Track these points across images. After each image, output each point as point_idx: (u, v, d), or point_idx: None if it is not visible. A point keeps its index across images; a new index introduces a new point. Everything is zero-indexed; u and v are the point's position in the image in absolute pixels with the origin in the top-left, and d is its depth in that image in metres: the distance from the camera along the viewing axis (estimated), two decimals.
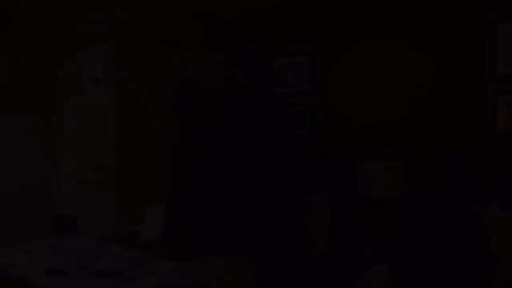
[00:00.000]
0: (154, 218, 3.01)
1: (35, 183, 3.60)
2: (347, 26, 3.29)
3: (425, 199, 0.83)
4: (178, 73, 1.64)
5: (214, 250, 1.54)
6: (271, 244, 1.80)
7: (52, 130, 3.70)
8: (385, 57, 3.11)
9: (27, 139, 3.56)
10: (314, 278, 2.71)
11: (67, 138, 3.70)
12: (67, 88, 3.73)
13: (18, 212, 3.48)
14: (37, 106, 3.62)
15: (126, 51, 3.79)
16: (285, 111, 1.94)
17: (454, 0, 2.81)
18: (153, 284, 2.10)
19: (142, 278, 2.21)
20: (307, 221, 2.92)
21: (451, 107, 2.83)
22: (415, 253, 0.75)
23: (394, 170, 2.74)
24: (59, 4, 3.08)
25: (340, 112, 3.33)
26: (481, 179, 2.65)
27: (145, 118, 3.82)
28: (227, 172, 1.56)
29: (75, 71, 3.70)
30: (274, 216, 1.71)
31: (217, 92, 1.57)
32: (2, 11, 3.24)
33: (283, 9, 3.69)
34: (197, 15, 3.95)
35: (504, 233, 2.22)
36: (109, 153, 3.67)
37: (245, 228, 1.57)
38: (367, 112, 3.20)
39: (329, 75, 3.40)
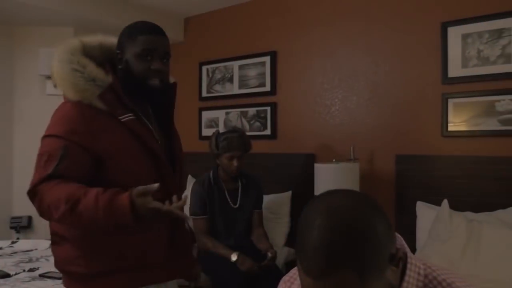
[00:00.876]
0: None
1: None
2: (306, 27, 3.33)
3: (332, 193, 0.85)
4: None
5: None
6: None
7: (8, 130, 3.61)
8: (341, 57, 3.15)
9: None
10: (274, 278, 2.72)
11: (23, 138, 3.61)
12: (24, 88, 3.65)
13: None
14: None
15: None
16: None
17: (409, 2, 2.87)
18: None
19: None
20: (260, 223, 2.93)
21: (406, 108, 2.89)
22: (314, 247, 0.76)
23: (350, 170, 2.77)
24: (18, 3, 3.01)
25: (299, 113, 3.36)
26: (433, 179, 2.72)
27: None
28: None
29: (32, 69, 3.61)
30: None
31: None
32: None
33: (246, 7, 3.70)
34: (158, 12, 3.92)
35: (452, 230, 2.29)
36: None
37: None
38: (323, 113, 3.23)
39: (289, 76, 3.42)
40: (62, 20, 3.48)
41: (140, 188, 1.23)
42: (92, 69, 1.36)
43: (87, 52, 1.43)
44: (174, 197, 1.31)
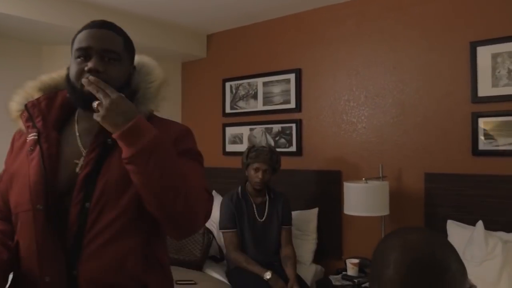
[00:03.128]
0: None
1: None
2: (331, 45, 3.36)
3: (407, 231, 0.88)
4: None
5: None
6: None
7: None
8: (367, 75, 3.18)
9: None
10: None
11: None
12: None
13: None
14: None
15: None
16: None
17: (438, 21, 2.90)
18: None
19: None
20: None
21: (434, 127, 2.90)
22: (391, 281, 0.79)
23: (379, 189, 2.78)
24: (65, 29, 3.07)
25: (325, 130, 3.38)
26: (463, 198, 2.72)
27: None
28: None
29: None
30: None
31: None
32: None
33: (270, 25, 3.73)
34: (180, 28, 3.97)
35: (488, 252, 2.29)
36: None
37: None
38: (349, 130, 3.25)
39: (314, 93, 3.45)
40: None
41: None
42: (27, 93, 1.28)
43: (43, 87, 1.29)
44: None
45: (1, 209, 1.25)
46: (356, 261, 2.84)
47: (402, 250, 0.81)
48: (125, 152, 1.05)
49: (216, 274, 2.91)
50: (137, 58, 1.31)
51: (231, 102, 3.95)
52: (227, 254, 2.88)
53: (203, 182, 1.19)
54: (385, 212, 2.81)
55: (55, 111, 1.22)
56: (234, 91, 3.93)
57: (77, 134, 1.20)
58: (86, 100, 1.12)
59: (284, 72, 3.59)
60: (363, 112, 3.21)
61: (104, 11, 3.35)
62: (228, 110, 3.97)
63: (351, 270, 2.81)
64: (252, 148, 2.93)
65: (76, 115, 1.24)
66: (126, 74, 1.21)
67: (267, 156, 2.85)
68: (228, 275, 2.86)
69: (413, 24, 2.99)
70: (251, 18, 3.73)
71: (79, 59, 1.16)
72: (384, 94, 3.12)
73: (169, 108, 4.26)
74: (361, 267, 2.85)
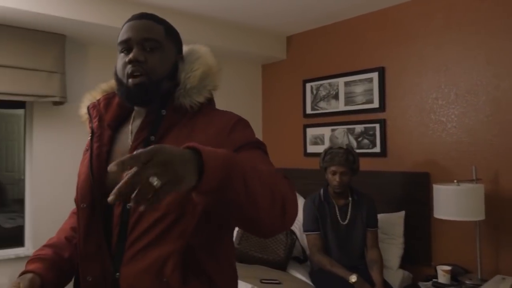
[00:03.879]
0: None
1: None
2: (417, 41, 3.21)
3: None
4: None
5: None
6: None
7: None
8: (457, 71, 3.00)
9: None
10: None
11: None
12: None
13: None
14: None
15: None
16: None
17: None
18: None
19: None
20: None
21: None
22: None
23: (473, 192, 2.62)
24: None
25: (411, 130, 3.24)
26: None
27: None
28: None
29: None
30: None
31: None
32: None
33: (350, 23, 3.66)
34: (260, 31, 4.02)
35: None
36: None
37: None
38: (438, 130, 3.09)
39: (399, 92, 3.32)
40: None
41: None
42: (92, 95, 1.31)
43: (108, 88, 1.32)
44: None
45: None
46: (448, 268, 2.69)
47: None
48: (200, 200, 0.88)
49: (300, 275, 2.91)
50: (189, 47, 1.26)
51: (312, 102, 3.93)
52: (311, 256, 2.86)
53: (275, 169, 1.05)
54: (480, 217, 2.64)
55: (112, 110, 1.23)
56: (314, 91, 3.90)
57: (130, 131, 1.19)
58: (131, 93, 1.13)
59: (366, 71, 3.51)
60: (453, 111, 3.03)
61: (188, 17, 3.48)
62: (308, 111, 3.95)
63: (443, 278, 2.68)
64: (328, 150, 2.86)
65: (134, 112, 1.23)
66: (169, 63, 1.17)
67: (343, 158, 2.76)
68: (311, 276, 2.84)
69: (508, 13, 2.77)
70: (331, 18, 3.69)
71: (122, 53, 1.16)
72: (476, 91, 2.92)
73: (250, 110, 4.35)
74: (453, 275, 2.70)
